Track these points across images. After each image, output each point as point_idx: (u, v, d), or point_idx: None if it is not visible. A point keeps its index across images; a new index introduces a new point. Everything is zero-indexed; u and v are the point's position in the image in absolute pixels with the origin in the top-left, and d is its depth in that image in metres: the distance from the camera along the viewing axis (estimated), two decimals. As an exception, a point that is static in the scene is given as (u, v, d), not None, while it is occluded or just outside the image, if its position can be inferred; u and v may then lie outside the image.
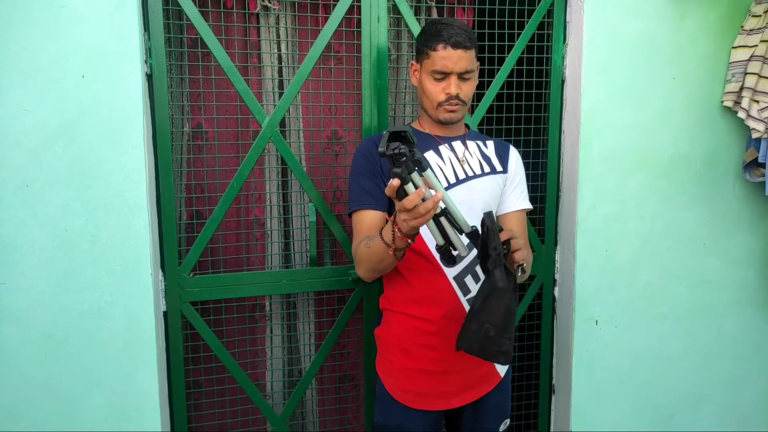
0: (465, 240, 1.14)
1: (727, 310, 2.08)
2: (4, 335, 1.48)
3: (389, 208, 1.41)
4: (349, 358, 1.94)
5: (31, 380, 1.51)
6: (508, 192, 1.51)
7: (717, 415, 2.13)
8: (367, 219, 1.39)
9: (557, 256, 1.98)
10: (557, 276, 1.99)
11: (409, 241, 1.15)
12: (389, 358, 1.48)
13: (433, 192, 1.06)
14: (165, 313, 1.67)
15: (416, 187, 1.03)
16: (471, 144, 1.50)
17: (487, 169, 1.48)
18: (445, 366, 1.43)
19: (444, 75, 1.35)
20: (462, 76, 1.36)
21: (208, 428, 1.82)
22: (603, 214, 1.89)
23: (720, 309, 2.07)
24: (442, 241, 1.10)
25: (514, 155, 1.56)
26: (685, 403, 2.09)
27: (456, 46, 1.32)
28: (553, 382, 2.05)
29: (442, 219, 1.09)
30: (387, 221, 1.22)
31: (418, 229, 1.12)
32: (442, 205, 1.07)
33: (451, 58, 1.33)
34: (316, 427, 1.95)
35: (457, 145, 1.47)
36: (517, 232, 1.47)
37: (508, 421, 1.55)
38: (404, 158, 1.00)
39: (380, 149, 0.99)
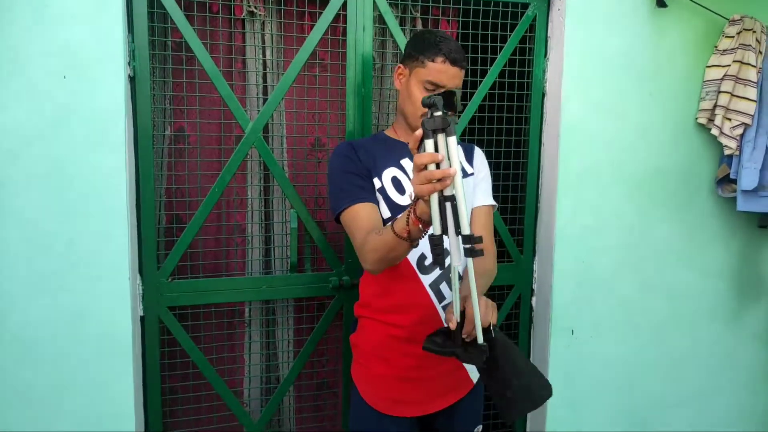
0: (458, 246, 1.04)
1: (701, 321, 2.13)
2: (-25, 338, 1.45)
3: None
4: (327, 365, 1.93)
5: (2, 384, 1.48)
6: (474, 189, 1.51)
7: (689, 423, 2.18)
8: (365, 211, 1.35)
9: (535, 267, 2.01)
10: (535, 286, 2.02)
11: (420, 227, 1.08)
12: (364, 365, 1.48)
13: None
14: (142, 318, 1.65)
15: (437, 150, 0.98)
16: None
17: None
18: (419, 372, 1.43)
19: (436, 87, 1.35)
20: None
21: (184, 435, 1.80)
22: (581, 226, 1.92)
23: (693, 320, 2.12)
24: (439, 231, 1.02)
25: (479, 154, 1.57)
26: (658, 411, 2.13)
27: (454, 62, 1.34)
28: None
29: (448, 206, 1.01)
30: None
31: (430, 215, 1.04)
32: (452, 191, 1.00)
33: (448, 73, 1.34)
34: (293, 435, 1.94)
35: None
36: (481, 228, 1.49)
37: (480, 427, 1.56)
38: (436, 110, 0.97)
39: (426, 97, 1.00)
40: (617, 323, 2.02)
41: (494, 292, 1.98)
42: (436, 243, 1.02)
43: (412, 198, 1.07)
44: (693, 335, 2.13)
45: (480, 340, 1.14)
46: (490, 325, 1.18)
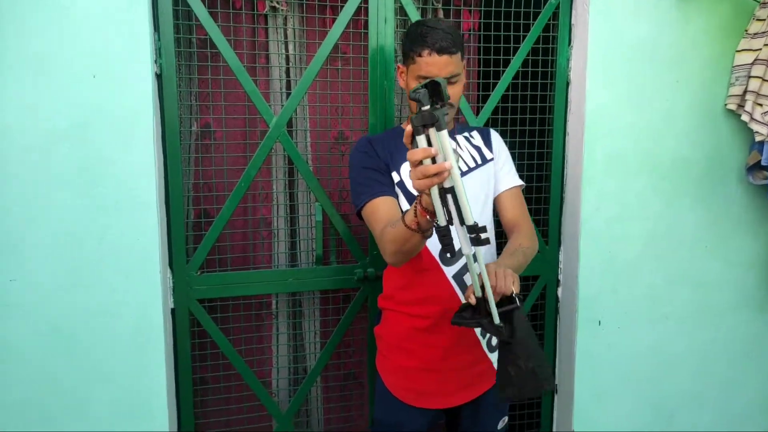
0: (465, 235, 1.06)
1: (728, 312, 2.10)
2: (13, 331, 1.50)
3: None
4: (353, 356, 1.96)
5: (39, 376, 1.53)
6: (497, 173, 1.51)
7: (716, 416, 2.15)
8: (384, 205, 1.36)
9: (561, 257, 2.00)
10: (560, 277, 2.01)
11: (428, 217, 1.09)
12: (388, 356, 1.50)
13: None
14: (173, 311, 1.68)
15: (431, 146, 0.97)
16: (459, 138, 1.51)
17: (479, 160, 1.49)
18: (443, 364, 1.44)
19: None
20: (449, 80, 1.34)
21: (214, 425, 1.83)
22: (606, 216, 1.90)
23: (721, 310, 2.09)
24: (444, 221, 1.04)
25: (496, 137, 1.56)
26: (685, 403, 2.11)
27: (441, 51, 1.30)
28: (556, 381, 2.07)
29: (449, 198, 1.02)
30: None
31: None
32: (450, 183, 1.00)
33: (437, 64, 1.31)
34: (320, 425, 1.97)
35: None
36: (513, 210, 1.49)
37: (506, 418, 1.57)
38: (423, 105, 0.96)
39: (412, 91, 0.98)
40: (644, 314, 2.00)
41: (520, 283, 1.97)
42: (443, 233, 1.05)
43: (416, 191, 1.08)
44: (721, 326, 2.10)
45: (496, 320, 1.16)
46: (512, 294, 1.19)
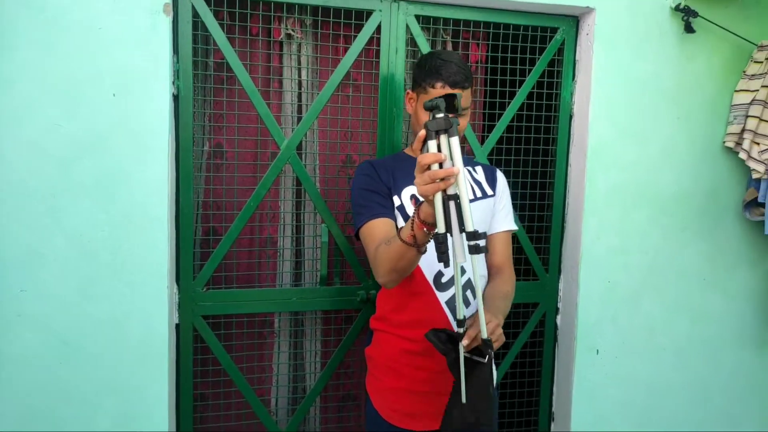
0: (462, 244, 1.06)
1: (726, 345, 2.11)
2: (24, 340, 1.53)
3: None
4: (353, 377, 1.97)
5: (47, 385, 1.55)
6: (495, 213, 1.55)
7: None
8: (381, 225, 1.39)
9: (560, 286, 2.03)
10: (560, 305, 2.03)
11: (425, 230, 1.12)
12: (378, 377, 1.51)
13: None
14: (177, 326, 1.71)
15: (440, 151, 1.02)
16: None
17: (478, 194, 1.52)
18: (432, 387, 1.45)
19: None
20: (458, 113, 1.38)
21: (212, 441, 1.85)
22: (606, 246, 1.94)
23: (719, 343, 2.11)
24: (443, 229, 1.04)
25: (501, 178, 1.60)
26: (682, 435, 2.11)
27: (454, 86, 1.35)
28: (553, 409, 2.08)
29: (451, 205, 1.04)
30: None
31: (434, 216, 1.07)
32: (454, 190, 1.04)
33: None
34: (317, 445, 1.98)
35: None
36: (501, 253, 1.53)
37: None
38: (438, 112, 1.01)
39: (428, 101, 1.04)
40: (642, 344, 2.02)
41: (519, 310, 2.00)
42: (440, 241, 1.06)
43: (417, 201, 1.11)
44: (718, 359, 2.11)
45: (484, 334, 1.17)
46: (491, 348, 1.20)
